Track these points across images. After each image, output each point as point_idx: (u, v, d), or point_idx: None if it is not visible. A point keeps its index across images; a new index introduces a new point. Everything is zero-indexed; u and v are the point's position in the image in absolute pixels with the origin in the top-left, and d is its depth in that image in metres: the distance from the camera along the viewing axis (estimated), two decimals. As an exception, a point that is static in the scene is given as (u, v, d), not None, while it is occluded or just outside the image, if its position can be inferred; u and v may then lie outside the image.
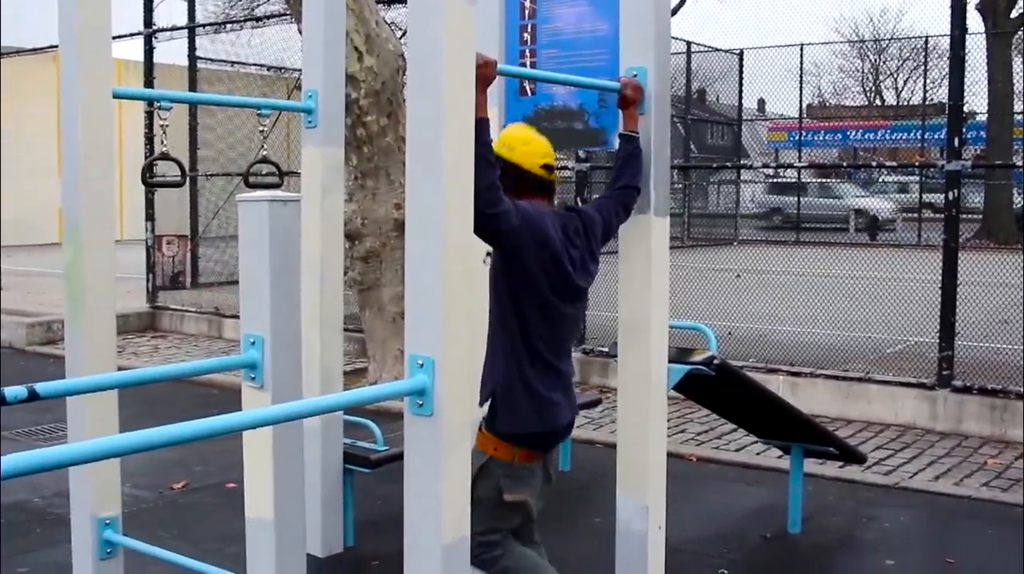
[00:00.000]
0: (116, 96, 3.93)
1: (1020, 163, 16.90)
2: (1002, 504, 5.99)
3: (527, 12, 4.17)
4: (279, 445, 3.46)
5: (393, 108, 8.29)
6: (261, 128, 4.49)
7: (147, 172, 4.20)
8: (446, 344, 3.01)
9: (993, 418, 7.46)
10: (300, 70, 16.07)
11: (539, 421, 3.51)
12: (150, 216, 12.35)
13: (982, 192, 22.69)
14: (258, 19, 11.58)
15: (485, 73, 3.21)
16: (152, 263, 12.49)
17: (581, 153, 9.29)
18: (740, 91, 25.09)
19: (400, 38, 9.26)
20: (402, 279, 8.58)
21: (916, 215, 24.00)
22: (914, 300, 10.56)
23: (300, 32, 9.18)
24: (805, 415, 5.21)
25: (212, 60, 13.26)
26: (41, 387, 2.85)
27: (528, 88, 4.20)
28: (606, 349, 9.16)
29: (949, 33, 7.73)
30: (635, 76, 3.88)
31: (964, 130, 30.36)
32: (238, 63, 13.73)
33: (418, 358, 3.03)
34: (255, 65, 14.08)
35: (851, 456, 5.52)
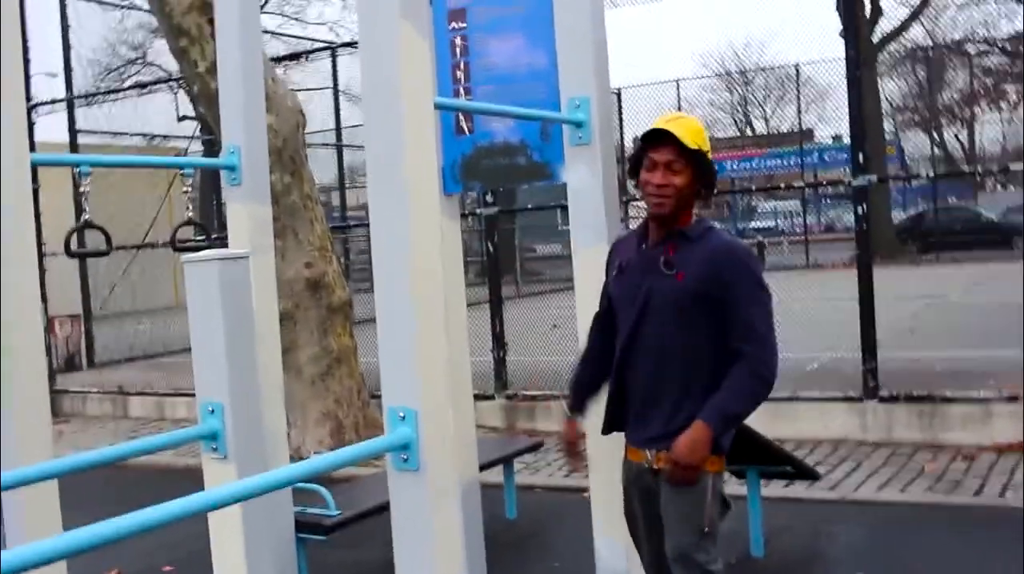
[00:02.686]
0: (34, 163, 3.70)
1: (928, 174, 17.37)
2: (949, 506, 6.04)
3: (459, 50, 4.07)
4: (249, 519, 3.25)
5: (296, 166, 8.11)
6: (185, 189, 4.29)
7: (69, 242, 3.94)
8: (427, 393, 2.87)
9: (922, 424, 7.55)
10: (185, 137, 15.71)
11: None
12: (42, 296, 11.83)
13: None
14: (143, 86, 11.26)
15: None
16: (48, 346, 11.98)
17: (488, 197, 9.20)
18: (621, 129, 25.41)
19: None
20: (318, 340, 8.38)
21: (803, 238, 24.56)
22: (823, 318, 10.73)
23: (191, 98, 9.00)
24: (764, 437, 5.16)
25: (93, 132, 12.89)
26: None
27: (465, 127, 4.09)
28: (531, 393, 9.06)
29: (844, 55, 7.91)
30: (577, 106, 3.82)
31: (835, 152, 31.29)
32: (119, 133, 13.38)
33: (398, 410, 2.87)
34: (137, 135, 13.76)
35: (806, 474, 5.49)
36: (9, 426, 3.63)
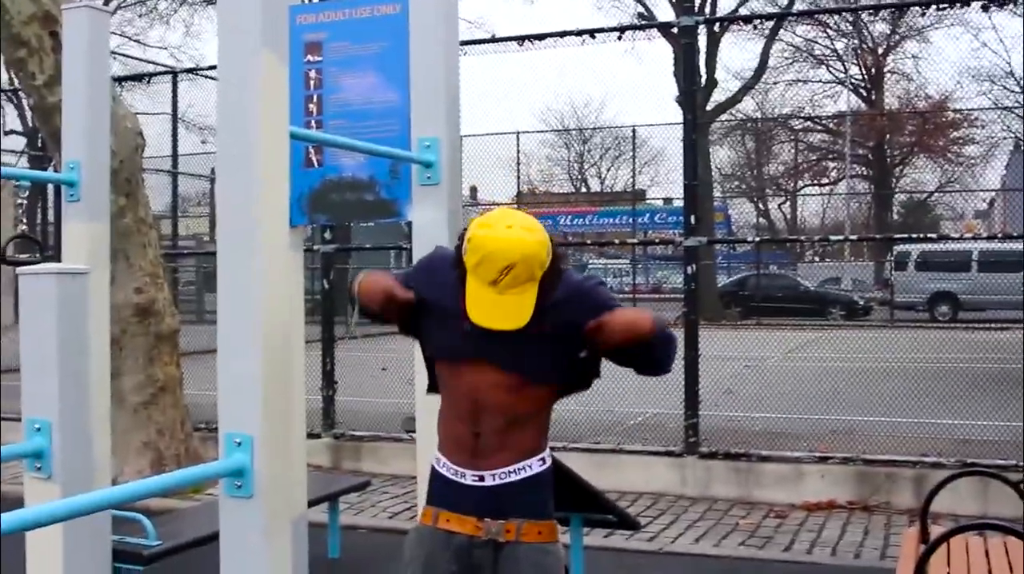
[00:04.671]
0: None
1: (752, 238, 18.06)
2: (760, 561, 6.27)
3: (313, 83, 4.09)
4: (69, 544, 3.15)
5: (132, 188, 7.92)
6: (20, 201, 4.16)
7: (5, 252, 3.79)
8: (266, 421, 2.86)
9: (738, 481, 7.82)
10: (9, 151, 15.13)
11: None
12: None
13: (680, 274, 24.18)
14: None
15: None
16: None
17: (327, 234, 9.16)
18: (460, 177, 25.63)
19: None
20: (144, 367, 8.15)
21: (631, 296, 25.19)
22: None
23: (30, 105, 8.70)
24: (591, 485, 5.26)
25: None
26: None
27: (315, 159, 4.10)
28: (358, 433, 9.02)
29: (679, 120, 8.23)
30: (428, 147, 3.88)
31: (665, 215, 32.13)
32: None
33: (235, 436, 2.85)
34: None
35: (628, 524, 5.61)
36: None
